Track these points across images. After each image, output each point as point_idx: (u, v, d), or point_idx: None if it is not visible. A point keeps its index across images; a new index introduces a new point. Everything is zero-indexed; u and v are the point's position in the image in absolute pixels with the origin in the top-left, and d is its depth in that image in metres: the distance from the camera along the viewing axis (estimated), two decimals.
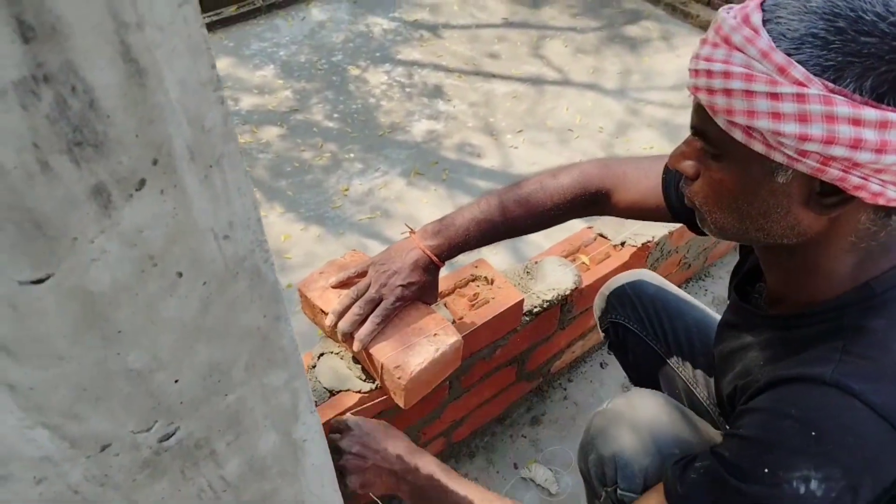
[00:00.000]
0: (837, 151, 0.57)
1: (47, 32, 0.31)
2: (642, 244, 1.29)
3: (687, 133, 0.77)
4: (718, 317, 1.10)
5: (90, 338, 0.44)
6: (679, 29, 4.95)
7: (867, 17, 0.53)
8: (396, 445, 0.89)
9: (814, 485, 0.60)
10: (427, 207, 3.67)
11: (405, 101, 4.37)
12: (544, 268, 1.22)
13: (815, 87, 0.55)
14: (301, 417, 0.67)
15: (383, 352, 0.92)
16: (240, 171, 0.43)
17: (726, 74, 0.60)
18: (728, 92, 0.60)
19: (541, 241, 3.41)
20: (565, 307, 1.22)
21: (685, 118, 4.33)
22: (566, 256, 1.28)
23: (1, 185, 0.34)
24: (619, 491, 0.91)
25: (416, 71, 4.64)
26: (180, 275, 0.45)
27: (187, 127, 0.39)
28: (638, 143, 4.04)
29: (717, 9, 4.82)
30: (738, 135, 0.63)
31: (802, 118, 0.56)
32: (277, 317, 0.55)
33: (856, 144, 0.56)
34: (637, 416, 0.92)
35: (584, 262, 1.26)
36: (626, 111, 4.28)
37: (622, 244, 1.29)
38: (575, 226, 3.69)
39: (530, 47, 4.83)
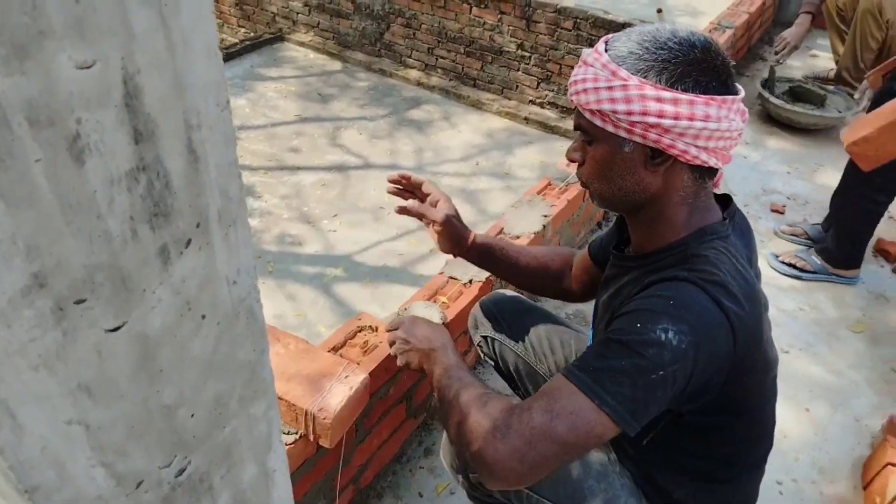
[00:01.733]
0: (651, 120, 0.85)
1: (149, 135, 0.45)
2: (486, 278, 1.54)
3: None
4: (573, 325, 1.36)
5: (141, 377, 0.54)
6: (455, 108, 5.60)
7: (662, 40, 0.88)
8: (431, 335, 1.12)
9: (671, 334, 0.83)
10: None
11: None
12: (414, 311, 1.41)
13: (633, 80, 0.86)
14: (273, 446, 0.78)
15: (303, 400, 1.02)
16: (246, 227, 0.58)
17: (584, 80, 0.91)
18: (586, 91, 0.91)
19: (406, 293, 3.60)
20: None
21: (477, 184, 4.87)
22: (429, 299, 1.48)
23: (107, 249, 0.46)
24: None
25: None
26: (204, 317, 0.58)
27: (219, 197, 0.53)
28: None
29: (482, 91, 5.57)
30: (597, 121, 0.92)
31: (627, 100, 0.86)
32: (263, 350, 0.68)
33: (661, 114, 0.85)
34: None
35: (444, 302, 1.47)
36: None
37: (470, 281, 1.52)
38: (431, 273, 3.89)
39: (328, 138, 5.13)
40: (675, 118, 0.85)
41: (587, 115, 0.93)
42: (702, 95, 0.85)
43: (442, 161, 4.97)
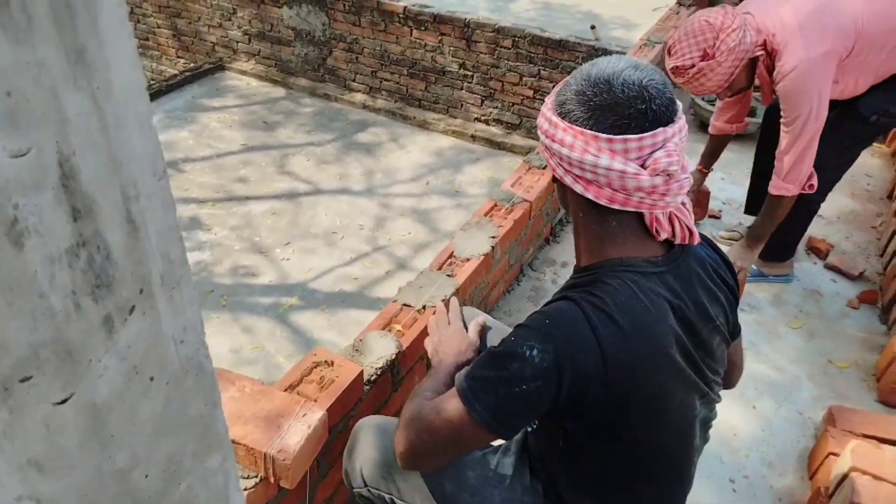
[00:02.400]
0: (540, 133, 0.97)
1: (87, 211, 0.47)
2: (440, 302, 1.56)
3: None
4: None
5: (92, 444, 0.55)
6: (403, 129, 5.64)
7: (571, 79, 0.97)
8: (446, 353, 1.20)
9: (535, 352, 0.89)
10: (214, 337, 3.62)
11: None
12: (369, 343, 1.42)
13: (548, 101, 0.98)
14: (231, 497, 0.78)
15: (261, 443, 1.02)
16: (191, 286, 0.59)
17: (539, 126, 1.00)
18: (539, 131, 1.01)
19: (363, 317, 3.58)
20: (394, 370, 1.42)
21: (428, 203, 4.91)
22: (384, 328, 1.49)
23: (51, 325, 0.47)
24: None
25: None
26: (152, 379, 0.59)
27: (161, 262, 0.55)
28: (397, 233, 4.48)
29: (424, 110, 5.63)
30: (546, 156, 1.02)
31: (540, 114, 0.99)
32: (215, 403, 0.69)
33: (542, 128, 0.96)
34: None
35: (399, 330, 1.49)
36: (378, 206, 4.73)
37: (423, 307, 1.55)
38: (387, 295, 3.87)
39: (276, 166, 5.09)
40: (549, 136, 0.94)
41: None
42: (565, 122, 0.92)
43: (392, 182, 5.00)
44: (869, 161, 2.80)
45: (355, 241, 4.40)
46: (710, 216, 2.37)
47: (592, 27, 5.13)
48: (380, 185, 4.97)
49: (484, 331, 1.30)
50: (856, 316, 1.99)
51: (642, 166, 0.90)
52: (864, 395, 1.76)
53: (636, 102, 0.89)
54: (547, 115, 0.96)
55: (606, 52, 4.69)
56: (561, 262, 2.20)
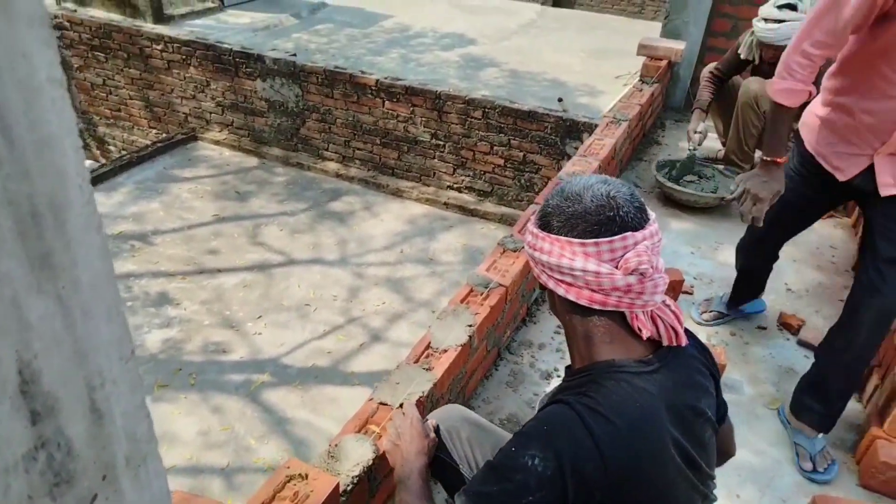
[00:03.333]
0: (525, 246, 1.06)
1: (48, 412, 0.44)
2: (416, 400, 1.52)
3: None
4: (501, 433, 1.37)
5: None
6: (375, 198, 5.67)
7: (549, 197, 1.06)
8: (410, 454, 1.26)
9: (537, 461, 0.90)
10: (182, 419, 3.49)
11: (130, 315, 4.18)
12: (345, 447, 1.37)
13: (535, 229, 1.05)
14: None
15: None
16: (158, 459, 0.56)
17: (524, 240, 1.10)
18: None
19: (333, 428, 3.48)
20: (371, 476, 1.37)
21: (403, 272, 4.89)
22: (359, 431, 1.44)
23: None
24: None
25: (133, 283, 4.49)
26: None
27: (126, 443, 0.52)
28: (371, 303, 4.43)
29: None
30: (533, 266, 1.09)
31: (529, 242, 1.07)
32: None
33: (526, 241, 1.06)
34: None
35: (375, 432, 1.44)
36: (352, 276, 4.69)
37: (400, 405, 1.51)
38: (361, 369, 3.79)
39: (248, 237, 5.05)
40: (531, 247, 1.05)
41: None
42: (543, 231, 1.03)
43: (366, 251, 4.99)
44: (832, 232, 2.88)
45: (328, 312, 4.34)
46: (683, 292, 2.40)
47: (560, 99, 5.29)
48: (353, 255, 4.95)
49: (439, 428, 1.35)
50: None
51: (616, 267, 0.97)
52: (845, 477, 1.75)
53: (604, 210, 0.98)
54: (531, 228, 1.06)
55: (574, 122, 4.83)
56: (538, 344, 2.18)
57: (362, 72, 5.46)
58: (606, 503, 0.91)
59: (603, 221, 0.97)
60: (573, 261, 0.98)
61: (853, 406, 1.97)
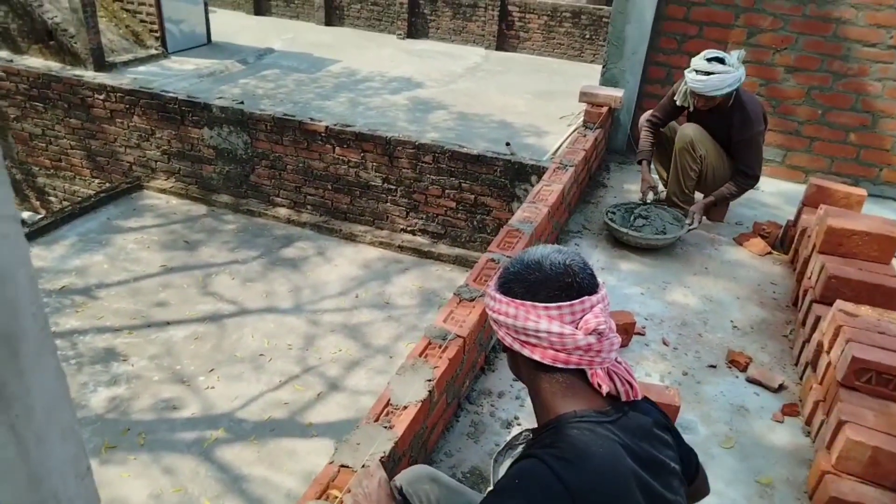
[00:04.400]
0: (488, 311, 1.11)
1: None
2: (378, 461, 1.50)
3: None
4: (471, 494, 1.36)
5: None
6: (329, 242, 5.64)
7: (508, 265, 1.13)
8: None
9: None
10: (131, 481, 3.33)
11: (74, 373, 4.00)
12: None
13: (491, 285, 1.13)
14: None
15: None
16: None
17: (486, 305, 1.16)
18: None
19: (291, 483, 3.37)
20: None
21: (359, 317, 4.85)
22: (320, 497, 1.41)
23: None
24: None
25: (78, 339, 4.31)
26: None
27: None
28: (328, 350, 4.37)
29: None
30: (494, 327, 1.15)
31: (486, 296, 1.13)
32: None
33: (488, 306, 1.12)
34: None
35: (336, 496, 1.41)
36: (307, 324, 4.62)
37: (363, 468, 1.48)
38: (319, 420, 3.67)
39: (198, 287, 4.94)
40: (494, 311, 1.12)
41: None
42: (506, 297, 1.10)
43: (321, 298, 4.93)
44: (772, 269, 3.01)
45: (284, 362, 4.25)
46: (636, 333, 2.45)
47: (507, 143, 5.42)
48: (308, 302, 4.88)
49: (402, 489, 1.37)
50: (782, 430, 2.07)
51: (576, 328, 1.06)
52: None
53: (563, 277, 1.07)
54: (492, 294, 1.13)
55: (522, 165, 4.94)
56: (497, 392, 2.19)
57: (311, 119, 5.48)
58: None
59: (563, 287, 1.06)
60: (538, 323, 1.06)
61: (803, 441, 2.03)
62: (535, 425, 1.14)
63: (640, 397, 1.12)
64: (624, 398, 1.10)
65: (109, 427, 3.66)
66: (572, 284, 1.07)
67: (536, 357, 1.07)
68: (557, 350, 1.06)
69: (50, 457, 0.44)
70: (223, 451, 3.59)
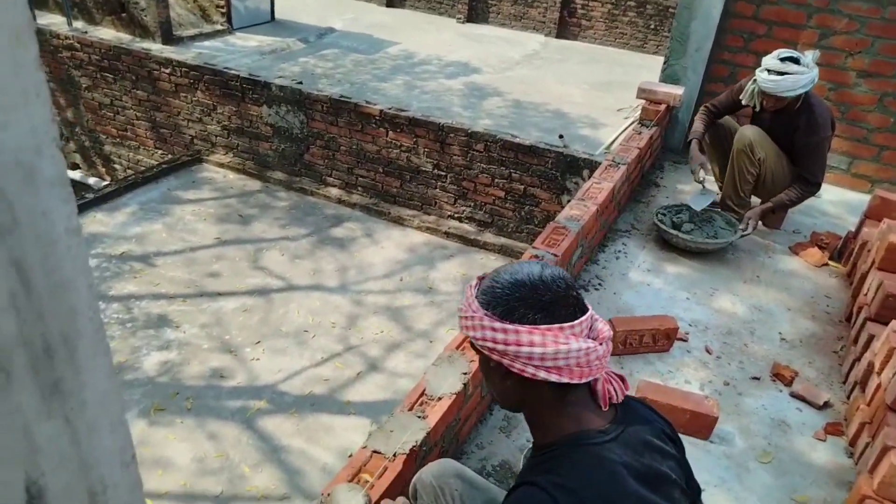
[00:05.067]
0: (489, 345, 1.04)
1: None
2: (410, 450, 1.54)
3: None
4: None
5: None
6: (377, 225, 5.72)
7: (501, 281, 1.07)
8: None
9: None
10: (177, 444, 3.49)
11: (128, 336, 4.20)
12: (337, 498, 1.39)
13: (479, 313, 1.06)
14: None
15: None
16: None
17: (461, 309, 1.11)
18: (461, 318, 1.10)
19: (327, 458, 3.47)
20: None
21: (402, 300, 4.91)
22: (351, 479, 1.46)
23: None
24: None
25: (134, 304, 4.52)
26: None
27: None
28: (370, 331, 4.45)
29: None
30: (472, 342, 1.10)
31: (475, 328, 1.05)
32: None
33: (495, 340, 1.03)
34: None
35: (367, 481, 1.46)
36: (351, 304, 4.72)
37: (394, 455, 1.52)
38: (358, 399, 3.77)
39: (249, 261, 5.09)
40: (506, 343, 1.03)
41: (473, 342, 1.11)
42: (526, 326, 1.02)
43: (366, 279, 5.01)
44: (827, 281, 2.90)
45: (327, 340, 4.36)
46: (678, 339, 2.41)
47: (560, 136, 5.36)
48: (353, 282, 4.97)
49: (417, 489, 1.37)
50: (823, 448, 2.01)
51: (592, 339, 1.06)
52: None
53: (569, 292, 1.06)
54: (495, 327, 1.04)
55: (574, 158, 4.88)
56: None
57: (367, 102, 5.53)
58: None
59: (572, 303, 1.05)
60: (568, 344, 1.01)
61: (844, 462, 1.98)
62: None
63: (628, 390, 1.12)
64: (622, 396, 1.10)
65: (160, 390, 3.84)
66: (578, 298, 1.06)
67: (564, 379, 1.03)
68: (581, 366, 1.03)
69: (99, 447, 0.48)
70: (265, 422, 3.72)
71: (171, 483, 3.30)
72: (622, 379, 1.12)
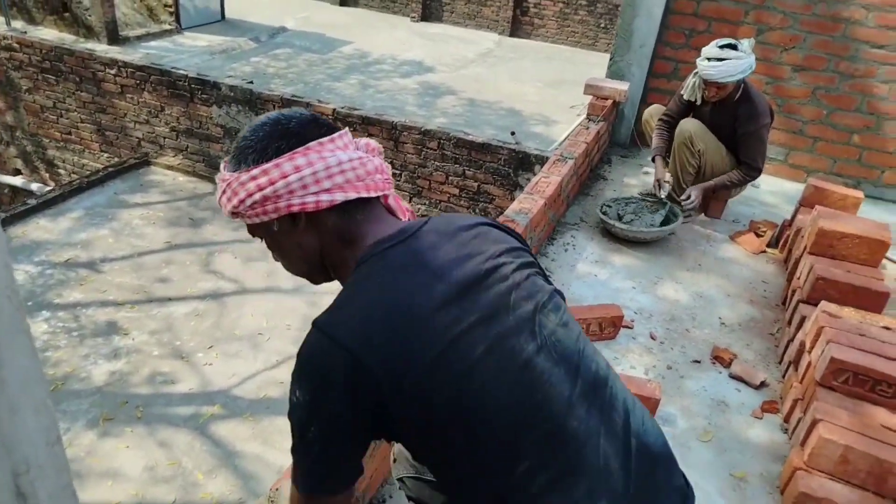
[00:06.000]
0: (257, 197, 0.94)
1: None
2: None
3: None
4: None
5: None
6: None
7: (242, 136, 0.98)
8: None
9: (299, 394, 0.87)
10: (128, 453, 3.42)
11: (76, 346, 4.09)
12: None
13: (229, 177, 0.97)
14: None
15: None
16: None
17: (217, 196, 1.01)
18: (220, 203, 1.01)
19: (284, 461, 3.44)
20: None
21: None
22: None
23: None
24: None
25: (80, 312, 4.40)
26: None
27: None
28: None
29: None
30: (241, 220, 0.99)
31: (234, 193, 0.96)
32: None
33: (259, 188, 0.93)
34: None
35: None
36: (306, 305, 4.69)
37: None
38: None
39: (201, 265, 5.00)
40: (272, 184, 0.93)
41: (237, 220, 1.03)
42: (284, 155, 0.94)
43: None
44: (765, 267, 3.03)
45: (282, 342, 4.32)
46: (624, 326, 2.49)
47: (512, 133, 5.43)
48: (309, 283, 4.93)
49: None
50: (760, 426, 2.11)
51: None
52: None
53: (315, 118, 1.00)
54: (254, 175, 0.94)
55: (526, 154, 4.96)
56: None
57: (319, 100, 5.51)
58: (400, 408, 0.87)
59: (323, 124, 0.99)
60: (335, 155, 0.95)
61: (780, 438, 2.08)
62: None
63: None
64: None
65: (108, 399, 3.75)
66: (326, 122, 1.00)
67: (352, 195, 0.95)
68: (362, 178, 0.97)
69: (23, 426, 0.49)
70: (218, 427, 3.67)
71: (122, 494, 3.23)
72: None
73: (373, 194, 0.98)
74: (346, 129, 1.01)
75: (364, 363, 0.84)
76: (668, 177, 3.34)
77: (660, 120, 3.39)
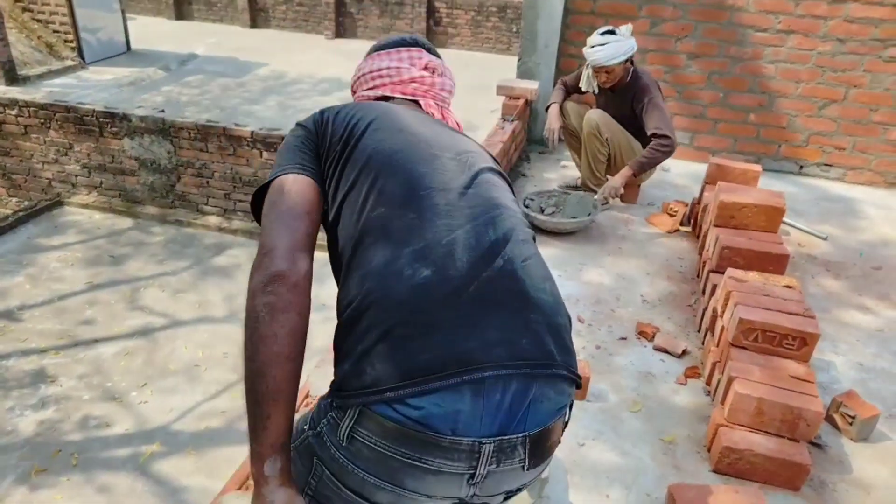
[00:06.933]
0: (354, 78, 1.40)
1: None
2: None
3: None
4: None
5: None
6: None
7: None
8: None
9: (288, 135, 1.19)
10: (64, 503, 3.26)
11: (0, 399, 3.87)
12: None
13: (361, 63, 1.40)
14: None
15: None
16: None
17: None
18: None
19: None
20: None
21: None
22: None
23: None
24: None
25: (1, 364, 4.17)
26: None
27: None
28: None
29: None
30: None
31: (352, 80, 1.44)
32: None
33: (359, 70, 1.39)
34: None
35: None
36: (243, 331, 4.59)
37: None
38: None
39: (126, 302, 4.83)
40: (359, 70, 1.38)
41: None
42: (363, 62, 1.38)
43: None
44: (679, 245, 3.19)
45: (220, 371, 4.22)
46: None
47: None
48: (242, 309, 4.81)
49: None
50: (684, 392, 2.22)
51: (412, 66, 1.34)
52: (700, 466, 1.94)
53: (407, 38, 1.40)
54: (360, 65, 1.39)
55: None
56: None
57: (236, 124, 5.43)
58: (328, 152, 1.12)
59: (404, 41, 1.39)
60: (380, 60, 1.35)
61: (703, 401, 2.19)
62: None
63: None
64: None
65: (39, 450, 3.57)
66: (416, 41, 1.37)
67: (379, 93, 1.31)
68: (396, 83, 1.31)
69: None
70: (160, 465, 3.56)
71: None
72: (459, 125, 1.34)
73: (397, 95, 1.30)
74: (425, 51, 1.36)
75: (324, 116, 1.17)
76: (559, 124, 3.47)
77: (561, 80, 3.60)
